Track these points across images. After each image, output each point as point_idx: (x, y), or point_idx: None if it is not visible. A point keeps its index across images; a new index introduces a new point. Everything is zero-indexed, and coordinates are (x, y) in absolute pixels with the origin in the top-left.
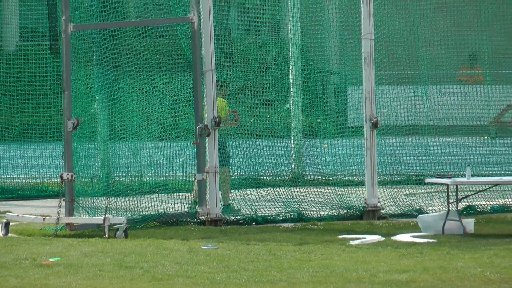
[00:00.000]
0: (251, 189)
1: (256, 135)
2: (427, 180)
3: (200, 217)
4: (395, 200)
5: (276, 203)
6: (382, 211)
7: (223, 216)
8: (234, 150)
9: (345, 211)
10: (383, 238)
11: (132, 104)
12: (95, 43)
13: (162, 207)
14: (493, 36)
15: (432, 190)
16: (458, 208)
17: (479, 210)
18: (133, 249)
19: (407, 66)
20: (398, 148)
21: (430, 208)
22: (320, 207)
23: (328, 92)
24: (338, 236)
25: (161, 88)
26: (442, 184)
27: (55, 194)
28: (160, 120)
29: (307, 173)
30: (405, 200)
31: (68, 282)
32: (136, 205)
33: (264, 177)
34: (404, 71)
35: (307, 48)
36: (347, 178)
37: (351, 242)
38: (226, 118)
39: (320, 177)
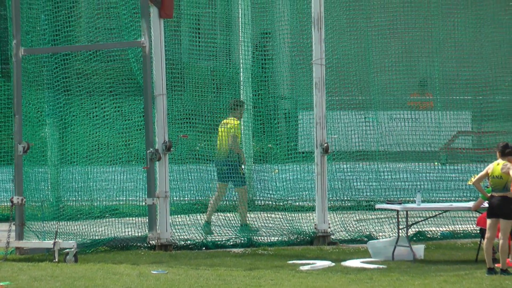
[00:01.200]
0: (201, 214)
1: (207, 159)
2: (377, 206)
3: (151, 242)
4: (345, 225)
5: (226, 228)
6: (332, 237)
7: (173, 241)
8: (184, 175)
9: (295, 236)
10: (333, 264)
11: (82, 128)
12: (47, 67)
13: (112, 231)
14: (444, 62)
15: (382, 216)
16: (408, 234)
17: (429, 236)
18: (83, 273)
19: (358, 91)
20: (349, 173)
21: (380, 234)
22: (271, 232)
23: (279, 117)
24: (288, 262)
25: (111, 113)
26: (392, 210)
27: (5, 218)
28: (111, 144)
29: (258, 198)
30: (355, 226)
31: None
32: (86, 229)
33: None
34: (355, 97)
35: (258, 73)
36: (297, 203)
37: (301, 268)
38: (231, 138)
39: (270, 202)
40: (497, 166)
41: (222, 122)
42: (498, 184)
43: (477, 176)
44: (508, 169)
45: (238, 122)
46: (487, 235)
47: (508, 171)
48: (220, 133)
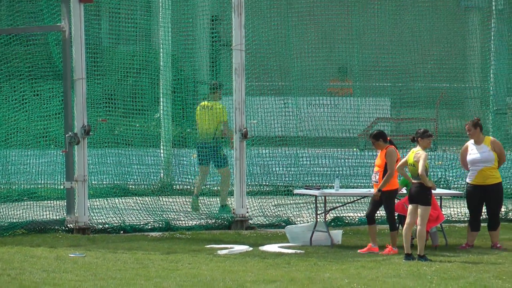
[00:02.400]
0: (119, 198)
1: (125, 144)
2: (296, 191)
3: (68, 225)
4: (263, 210)
5: (144, 212)
6: (251, 222)
7: (91, 225)
8: (102, 159)
9: (213, 221)
10: (251, 248)
11: (1, 112)
12: None
13: (30, 214)
14: (364, 48)
15: (301, 201)
16: (326, 219)
17: (346, 221)
18: (0, 256)
19: (278, 77)
20: (268, 159)
21: (298, 219)
22: (188, 217)
23: (198, 102)
24: (206, 246)
25: (31, 96)
26: (310, 195)
27: None
28: (30, 128)
29: (176, 182)
30: (273, 211)
31: None
32: (4, 212)
33: (132, 186)
34: (275, 82)
35: (178, 58)
36: (215, 188)
37: (219, 252)
38: (223, 125)
39: (189, 187)
40: (412, 153)
41: (202, 104)
42: (413, 171)
43: (399, 162)
44: (419, 157)
45: (223, 105)
46: (407, 220)
47: (419, 160)
48: (200, 116)
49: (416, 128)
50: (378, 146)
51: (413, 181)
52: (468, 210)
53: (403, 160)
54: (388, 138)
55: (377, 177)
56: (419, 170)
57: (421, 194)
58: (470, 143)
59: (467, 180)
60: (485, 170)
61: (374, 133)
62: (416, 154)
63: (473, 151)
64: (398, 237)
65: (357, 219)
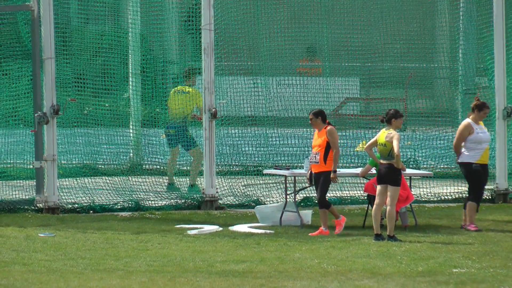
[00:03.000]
0: (88, 177)
1: (95, 123)
2: (265, 171)
3: (38, 205)
4: (233, 190)
5: (113, 192)
6: (220, 202)
7: (61, 204)
8: (72, 139)
9: (183, 201)
10: (221, 228)
11: None
12: None
13: None
14: (333, 29)
15: (270, 181)
16: (296, 199)
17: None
18: None
19: (247, 57)
20: (238, 138)
21: (268, 199)
22: (158, 197)
23: (167, 82)
24: (175, 226)
25: None
26: (280, 175)
27: None
28: None
29: (146, 162)
30: (243, 191)
31: None
32: None
33: (102, 166)
34: (244, 62)
35: (146, 38)
36: (185, 168)
37: (189, 232)
38: (198, 110)
39: (158, 167)
40: (383, 133)
41: (176, 89)
42: (384, 151)
43: (368, 143)
44: (392, 137)
45: (198, 90)
46: (376, 201)
47: (391, 140)
48: (174, 100)
49: (386, 108)
50: (316, 124)
51: (382, 161)
52: (468, 189)
53: (371, 140)
54: (327, 121)
55: (317, 157)
56: (395, 150)
57: (391, 175)
58: (472, 123)
59: (470, 160)
60: (487, 149)
61: (315, 110)
62: (388, 134)
63: (479, 130)
64: (367, 217)
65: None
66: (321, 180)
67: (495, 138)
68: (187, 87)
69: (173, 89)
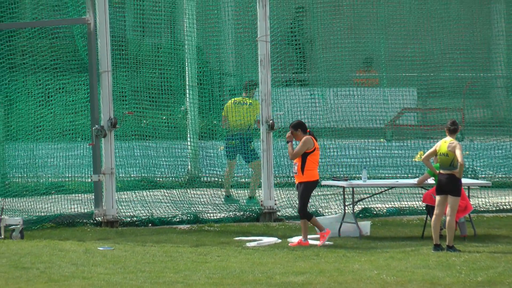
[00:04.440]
0: (147, 190)
1: (153, 136)
2: (324, 182)
3: (97, 218)
4: (291, 202)
5: (172, 205)
6: (279, 213)
7: (119, 218)
8: (129, 152)
9: (241, 213)
10: (280, 240)
11: (28, 105)
12: None
13: (58, 208)
14: (390, 39)
15: (329, 193)
16: (354, 210)
17: (375, 212)
18: (29, 250)
19: (304, 68)
20: None
21: (327, 210)
22: (217, 209)
23: (225, 94)
24: (234, 238)
25: (57, 90)
26: (338, 186)
27: None
28: (56, 121)
29: (204, 174)
30: None
31: None
32: (33, 206)
33: (160, 179)
34: (301, 73)
35: (203, 50)
36: (243, 180)
37: (248, 244)
38: (254, 121)
39: (216, 179)
40: (444, 143)
41: (235, 100)
42: (445, 161)
43: (426, 153)
44: (454, 147)
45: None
46: (435, 211)
47: (454, 149)
48: (235, 111)
49: (444, 118)
50: (297, 136)
51: (443, 171)
52: None
53: (429, 151)
54: (308, 130)
55: (296, 168)
56: (460, 160)
57: (452, 185)
58: None
59: None
60: None
61: (293, 123)
62: (450, 143)
63: None
64: (426, 227)
65: (385, 210)
66: (300, 191)
67: None
68: (247, 98)
69: (231, 100)
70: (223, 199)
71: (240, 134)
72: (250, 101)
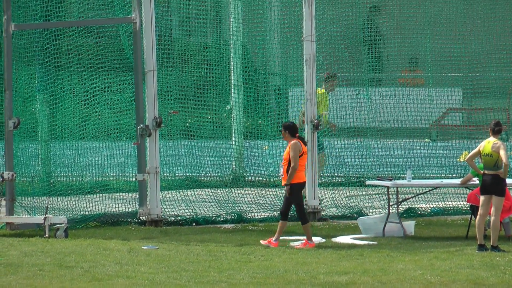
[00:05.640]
0: (191, 190)
1: (197, 136)
2: (368, 182)
3: (141, 218)
4: (336, 202)
5: (216, 204)
6: (323, 213)
7: (164, 217)
8: (174, 151)
9: None
10: (324, 240)
11: (73, 104)
12: (37, 43)
13: (102, 207)
14: (436, 38)
15: (373, 192)
16: (399, 210)
17: (419, 212)
18: (73, 249)
19: (349, 68)
20: (340, 149)
21: (371, 210)
22: (261, 209)
23: (270, 94)
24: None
25: (102, 88)
26: (382, 186)
27: None
28: (101, 120)
29: (248, 174)
30: (346, 202)
31: (8, 282)
32: (77, 205)
33: (205, 178)
34: (346, 73)
35: (248, 49)
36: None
37: (292, 244)
38: (325, 116)
39: (261, 178)
40: (488, 144)
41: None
42: (489, 162)
43: (470, 154)
44: (498, 147)
45: (323, 90)
46: (480, 211)
47: (498, 150)
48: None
49: (489, 119)
50: (285, 137)
51: (487, 172)
52: None
53: (473, 151)
54: (297, 134)
55: (281, 170)
56: (504, 160)
57: (496, 185)
58: None
59: None
60: None
61: (284, 123)
62: (494, 144)
63: None
64: (470, 227)
65: (429, 210)
66: (291, 195)
67: None
68: (319, 89)
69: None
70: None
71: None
72: (319, 91)
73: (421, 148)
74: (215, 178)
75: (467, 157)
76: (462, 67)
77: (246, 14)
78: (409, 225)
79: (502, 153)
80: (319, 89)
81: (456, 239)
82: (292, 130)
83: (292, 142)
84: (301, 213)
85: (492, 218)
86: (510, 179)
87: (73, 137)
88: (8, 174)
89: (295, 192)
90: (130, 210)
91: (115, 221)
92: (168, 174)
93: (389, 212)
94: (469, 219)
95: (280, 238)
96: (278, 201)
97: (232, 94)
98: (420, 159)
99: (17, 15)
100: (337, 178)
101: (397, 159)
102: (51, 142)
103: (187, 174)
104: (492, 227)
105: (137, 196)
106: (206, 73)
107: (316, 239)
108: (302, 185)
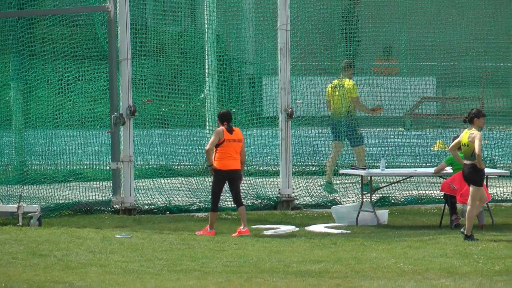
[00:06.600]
0: (165, 178)
1: (171, 124)
2: (342, 171)
3: (114, 206)
4: (309, 190)
5: (190, 193)
6: (296, 202)
7: (137, 205)
8: (148, 140)
9: (259, 201)
10: (297, 229)
11: (47, 92)
12: (12, 32)
13: (76, 195)
14: (410, 28)
15: (347, 181)
16: (372, 199)
17: (393, 201)
18: (46, 237)
19: (324, 57)
20: (314, 138)
21: (344, 199)
22: None
23: (244, 82)
24: (252, 226)
25: (76, 77)
26: (356, 175)
27: None
28: (75, 109)
29: None
30: (319, 191)
31: None
32: (50, 193)
33: (178, 167)
34: (321, 62)
35: (223, 38)
36: (261, 168)
37: (265, 232)
38: (355, 101)
39: None
40: (466, 134)
41: (334, 83)
42: (467, 152)
43: (451, 144)
44: (474, 137)
45: (353, 82)
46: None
47: (473, 140)
48: (332, 94)
49: (462, 108)
50: (219, 124)
51: (465, 162)
52: None
53: (455, 141)
54: (226, 122)
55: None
56: (476, 150)
57: (474, 175)
58: None
59: None
60: None
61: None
62: (471, 134)
63: None
64: (444, 216)
65: (403, 199)
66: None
67: None
68: (346, 79)
69: (330, 84)
70: (322, 186)
71: (343, 118)
72: (344, 82)
73: (395, 137)
74: (189, 166)
75: (450, 147)
76: (437, 57)
77: (221, 3)
78: (383, 214)
79: (476, 143)
80: (347, 80)
81: (429, 228)
82: (221, 118)
83: (217, 129)
84: (213, 199)
85: (468, 207)
86: (489, 169)
87: (47, 126)
88: None
89: (215, 178)
90: (103, 198)
91: (88, 209)
92: (141, 162)
93: (362, 201)
94: (443, 208)
95: (254, 226)
96: (252, 190)
97: (206, 82)
98: (394, 148)
99: None
100: (311, 166)
101: (371, 148)
102: (25, 130)
103: (161, 162)
104: (467, 216)
105: (111, 184)
106: (180, 62)
107: (289, 228)
108: (225, 172)
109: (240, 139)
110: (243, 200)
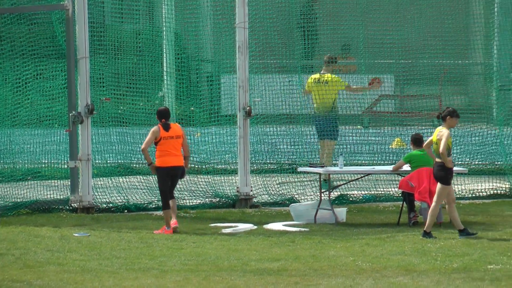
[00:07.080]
0: (123, 177)
1: (129, 123)
2: (300, 169)
3: (72, 205)
4: (267, 188)
5: (148, 191)
6: (255, 200)
7: (95, 204)
8: (106, 138)
9: (217, 199)
10: (255, 227)
11: (4, 91)
12: None
13: (34, 194)
14: (368, 26)
15: (305, 179)
16: (330, 197)
17: (351, 199)
18: (4, 236)
19: (282, 55)
20: (273, 136)
21: (303, 197)
22: (192, 195)
23: (202, 80)
24: (210, 225)
25: (34, 75)
26: (314, 173)
27: None
28: (33, 107)
29: None
30: (277, 189)
31: None
32: (8, 192)
33: (137, 165)
34: (279, 60)
35: (181, 36)
36: (220, 166)
37: (223, 231)
38: (347, 87)
39: (192, 165)
40: (436, 131)
41: (315, 77)
42: (436, 150)
43: (426, 141)
44: (442, 135)
45: (339, 77)
46: (445, 200)
47: (441, 138)
48: (316, 89)
49: (421, 105)
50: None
51: (436, 159)
52: None
53: (429, 138)
54: (163, 120)
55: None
56: (440, 149)
57: (441, 173)
58: None
59: None
60: None
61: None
62: (440, 132)
63: None
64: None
65: (361, 197)
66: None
67: None
68: (327, 74)
69: (310, 78)
70: (319, 184)
71: (325, 114)
72: (327, 78)
73: (353, 135)
74: (147, 165)
75: (424, 145)
76: (395, 54)
77: (179, 1)
78: (341, 212)
79: (442, 141)
80: (328, 74)
81: (387, 226)
82: (158, 115)
83: (153, 127)
84: (162, 198)
85: (433, 204)
86: (460, 167)
87: (5, 124)
88: None
89: (158, 176)
90: (61, 197)
91: (46, 208)
92: (100, 161)
93: (320, 199)
94: (401, 205)
95: (212, 224)
96: (210, 188)
97: (165, 81)
98: (352, 146)
99: None
100: (269, 165)
101: None
102: None
103: (119, 161)
104: (430, 213)
105: (69, 183)
106: (138, 60)
107: (247, 226)
108: (167, 169)
109: (179, 135)
110: (202, 198)
